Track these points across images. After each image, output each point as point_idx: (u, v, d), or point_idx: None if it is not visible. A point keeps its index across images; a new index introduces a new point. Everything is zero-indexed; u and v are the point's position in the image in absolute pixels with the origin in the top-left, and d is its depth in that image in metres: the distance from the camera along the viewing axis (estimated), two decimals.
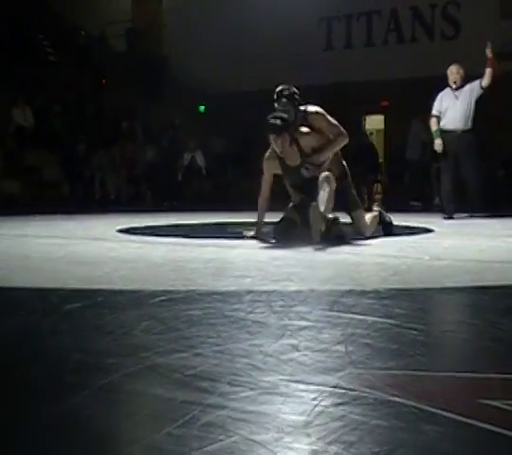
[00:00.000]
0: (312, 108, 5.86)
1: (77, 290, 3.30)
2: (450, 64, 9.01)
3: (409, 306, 2.88)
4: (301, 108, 5.85)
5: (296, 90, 6.02)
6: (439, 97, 8.99)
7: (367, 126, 18.30)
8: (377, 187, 16.52)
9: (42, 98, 15.90)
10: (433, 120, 8.99)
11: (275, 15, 17.98)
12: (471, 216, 8.95)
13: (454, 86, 8.90)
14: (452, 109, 8.85)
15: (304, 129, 5.77)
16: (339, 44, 18.30)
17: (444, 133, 8.86)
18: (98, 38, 20.20)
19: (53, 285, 3.44)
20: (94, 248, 5.48)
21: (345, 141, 5.84)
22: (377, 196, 16.25)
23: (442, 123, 8.90)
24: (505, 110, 13.86)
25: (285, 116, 5.65)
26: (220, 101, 18.00)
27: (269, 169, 5.83)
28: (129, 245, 5.64)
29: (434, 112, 8.98)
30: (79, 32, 20.40)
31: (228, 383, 1.81)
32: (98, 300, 3.02)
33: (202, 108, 19.29)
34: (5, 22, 18.21)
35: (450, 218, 8.74)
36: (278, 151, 5.68)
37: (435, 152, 9.08)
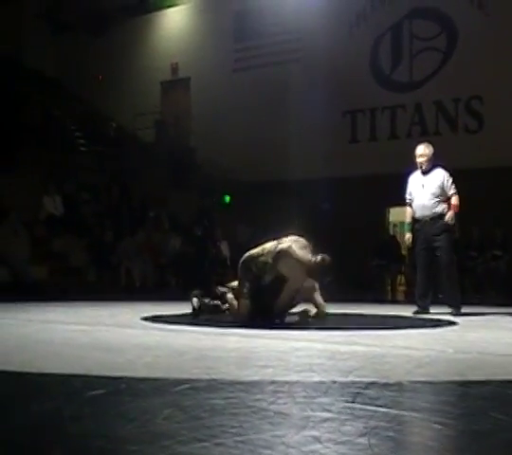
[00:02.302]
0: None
1: (100, 377, 3.31)
2: (418, 145, 8.36)
3: (433, 399, 2.86)
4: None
5: None
6: (409, 182, 8.37)
7: (391, 218, 18.42)
8: (401, 279, 16.49)
9: (71, 185, 16.22)
10: (407, 210, 8.37)
11: (300, 108, 18.43)
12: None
13: (421, 170, 8.19)
14: (419, 197, 8.17)
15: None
16: (364, 136, 18.64)
17: (415, 222, 8.24)
18: (128, 129, 20.76)
19: (77, 371, 3.45)
20: (118, 336, 5.49)
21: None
22: (401, 288, 16.19)
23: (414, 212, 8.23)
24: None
25: None
26: (245, 192, 18.27)
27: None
28: (153, 333, 5.65)
29: (407, 199, 8.36)
30: (109, 123, 20.97)
31: None
32: (120, 387, 3.03)
33: (227, 198, 19.56)
34: (40, 113, 18.80)
35: (420, 313, 7.99)
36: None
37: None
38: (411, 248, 8.58)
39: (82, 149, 19.17)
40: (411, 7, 17.93)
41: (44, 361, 3.94)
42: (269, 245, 6.49)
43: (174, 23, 22.41)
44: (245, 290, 6.51)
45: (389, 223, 18.41)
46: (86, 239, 15.09)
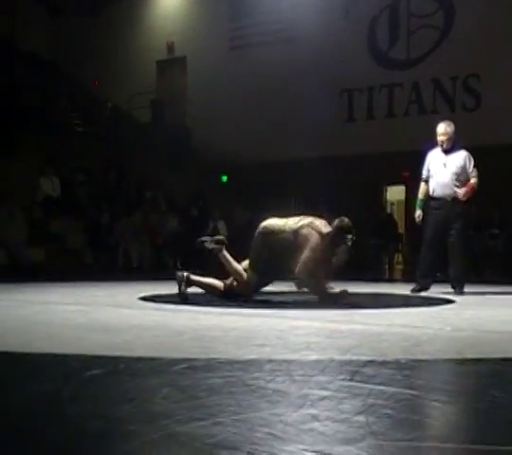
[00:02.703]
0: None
1: (98, 357, 3.31)
2: (439, 122, 8.19)
3: (430, 377, 2.86)
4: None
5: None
6: (428, 158, 8.25)
7: (388, 197, 18.42)
8: (398, 257, 16.51)
9: (68, 167, 16.18)
10: (422, 186, 8.25)
11: (297, 87, 18.33)
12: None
13: (442, 148, 8.07)
14: (440, 175, 8.03)
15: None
16: (361, 115, 18.57)
17: (432, 199, 8.11)
18: (124, 110, 20.68)
19: (75, 351, 3.45)
20: (116, 316, 5.49)
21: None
22: (398, 266, 16.22)
23: (431, 190, 8.10)
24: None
25: None
26: (243, 172, 18.23)
27: None
28: (150, 313, 5.66)
29: (423, 176, 8.24)
30: (106, 104, 20.89)
31: (248, 452, 1.80)
32: (119, 367, 3.03)
33: (224, 178, 19.52)
34: (37, 95, 18.71)
35: (419, 291, 7.92)
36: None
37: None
38: (419, 226, 8.44)
39: (79, 130, 19.10)
40: None
41: (42, 342, 3.95)
42: (291, 222, 6.46)
43: (170, 1, 22.24)
44: (258, 265, 6.48)
45: (386, 201, 18.41)
46: (83, 221, 15.09)
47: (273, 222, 6.54)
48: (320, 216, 6.58)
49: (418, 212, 8.22)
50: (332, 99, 18.42)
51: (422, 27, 17.72)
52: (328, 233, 6.30)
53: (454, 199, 7.91)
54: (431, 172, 8.07)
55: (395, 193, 18.22)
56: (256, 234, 6.57)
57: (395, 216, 17.58)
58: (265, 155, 18.42)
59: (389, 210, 18.10)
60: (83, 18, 22.69)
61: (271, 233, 6.44)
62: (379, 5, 18.20)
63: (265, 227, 6.53)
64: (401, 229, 16.87)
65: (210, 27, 20.77)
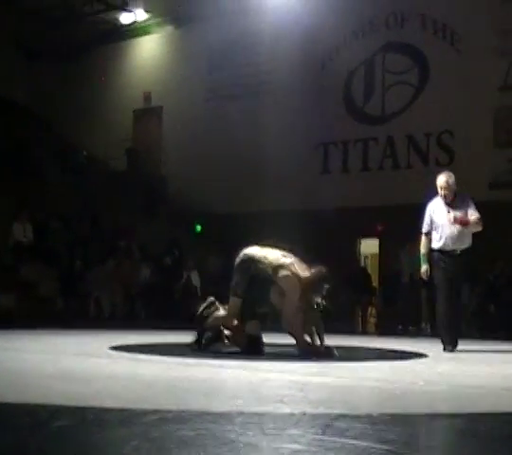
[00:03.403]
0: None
1: (66, 407, 3.25)
2: (439, 175, 7.92)
3: (402, 432, 2.84)
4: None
5: None
6: (429, 210, 7.91)
7: (362, 249, 18.49)
8: (371, 310, 16.51)
9: (42, 214, 16.13)
10: (423, 240, 7.91)
11: (273, 139, 18.49)
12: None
13: (445, 201, 7.76)
14: (448, 227, 7.68)
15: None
16: (336, 168, 18.73)
17: (438, 253, 7.75)
18: (99, 158, 20.73)
19: (42, 401, 3.39)
20: (86, 365, 5.42)
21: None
22: (371, 319, 16.22)
23: (437, 243, 7.74)
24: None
25: None
26: (217, 222, 18.26)
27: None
28: (121, 363, 5.59)
29: (424, 229, 7.92)
30: (80, 152, 20.93)
31: None
32: (87, 418, 2.98)
33: (198, 228, 19.53)
34: (10, 140, 18.72)
35: (451, 349, 7.52)
36: None
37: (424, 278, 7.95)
38: (425, 281, 8.22)
39: (53, 177, 19.10)
40: (385, 41, 18.17)
41: (8, 391, 3.87)
42: (272, 256, 6.48)
43: (148, 51, 22.51)
44: (239, 290, 6.51)
45: (360, 254, 18.47)
46: (56, 268, 14.98)
47: (254, 251, 6.58)
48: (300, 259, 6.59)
49: (425, 267, 7.87)
50: (307, 152, 18.60)
51: (397, 83, 18.05)
52: (306, 278, 6.31)
53: (462, 251, 7.68)
54: (436, 225, 7.78)
55: (369, 247, 18.29)
56: (237, 260, 6.61)
57: (369, 269, 17.62)
58: (239, 206, 18.49)
59: (363, 263, 18.15)
60: (62, 64, 22.84)
61: (252, 261, 6.48)
62: (356, 60, 18.53)
63: (245, 255, 6.58)
64: (374, 283, 16.90)
65: (187, 79, 20.98)
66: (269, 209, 17.98)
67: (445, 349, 7.53)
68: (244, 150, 18.97)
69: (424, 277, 7.94)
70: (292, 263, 6.41)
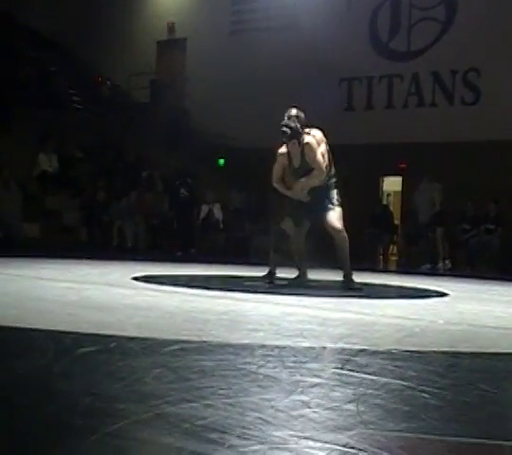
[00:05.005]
0: (308, 138, 6.94)
1: (90, 334, 3.30)
2: None
3: (422, 369, 2.86)
4: (306, 130, 7.06)
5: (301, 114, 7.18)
6: None
7: (385, 187, 18.38)
8: (393, 248, 16.50)
9: (66, 144, 16.12)
10: None
11: (296, 74, 18.22)
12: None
13: None
14: None
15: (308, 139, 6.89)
16: (360, 105, 18.49)
17: None
18: (123, 89, 20.58)
19: (66, 328, 3.44)
20: (108, 295, 5.49)
21: (320, 177, 6.78)
22: (392, 258, 16.23)
23: None
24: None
25: (292, 125, 6.97)
26: (239, 156, 18.16)
27: (281, 160, 7.01)
28: (143, 293, 5.65)
29: None
30: (105, 82, 20.78)
31: (238, 436, 1.80)
32: (110, 346, 3.02)
33: (221, 161, 19.43)
34: (34, 68, 18.62)
35: None
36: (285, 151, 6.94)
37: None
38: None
39: (78, 107, 19.01)
40: None
41: (33, 317, 3.93)
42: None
43: None
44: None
45: (383, 192, 18.38)
46: (79, 198, 15.04)
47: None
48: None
49: None
50: (331, 87, 18.32)
51: (423, 19, 17.62)
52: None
53: None
54: None
55: (392, 184, 18.18)
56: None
57: (391, 207, 17.54)
58: (262, 140, 18.34)
59: (385, 201, 18.07)
60: None
61: None
62: None
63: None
64: (397, 221, 16.85)
65: (211, 10, 20.57)
66: None
67: None
68: (267, 84, 18.70)
69: None
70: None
